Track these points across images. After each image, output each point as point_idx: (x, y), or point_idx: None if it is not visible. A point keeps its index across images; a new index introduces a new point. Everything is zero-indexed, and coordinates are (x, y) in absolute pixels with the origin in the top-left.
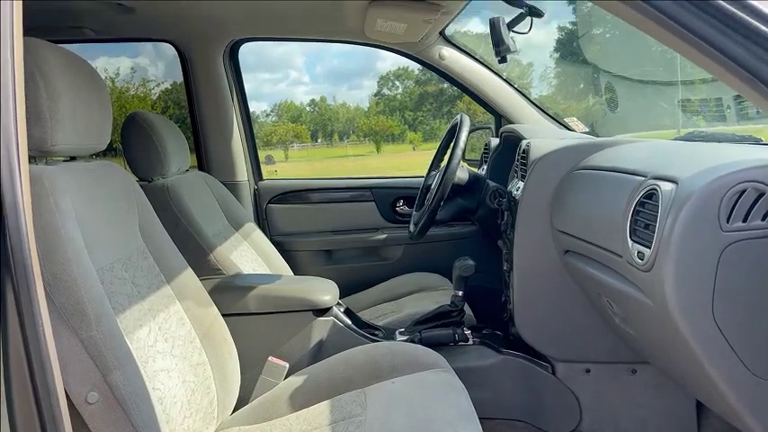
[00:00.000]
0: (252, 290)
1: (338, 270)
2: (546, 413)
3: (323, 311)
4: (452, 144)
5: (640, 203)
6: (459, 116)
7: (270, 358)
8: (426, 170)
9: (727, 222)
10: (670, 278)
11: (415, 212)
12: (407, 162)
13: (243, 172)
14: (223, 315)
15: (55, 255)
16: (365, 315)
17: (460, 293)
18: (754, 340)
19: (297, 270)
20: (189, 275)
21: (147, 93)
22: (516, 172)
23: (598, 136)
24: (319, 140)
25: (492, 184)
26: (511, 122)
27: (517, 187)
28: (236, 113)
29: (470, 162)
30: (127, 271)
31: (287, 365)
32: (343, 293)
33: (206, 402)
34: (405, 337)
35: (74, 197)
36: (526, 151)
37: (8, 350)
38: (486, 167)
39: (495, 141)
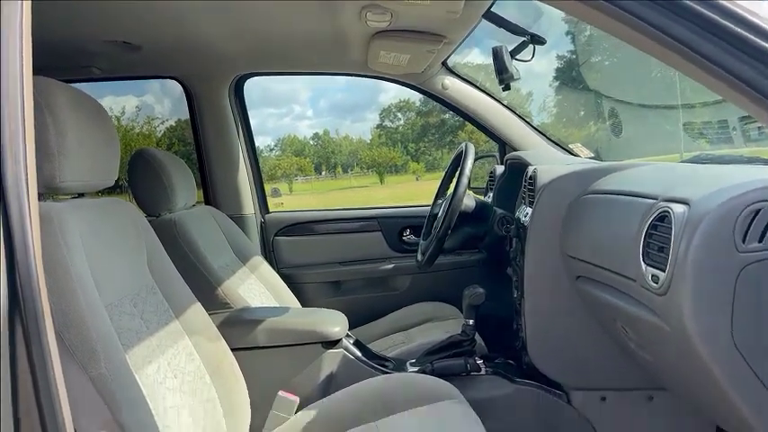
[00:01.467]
0: (260, 323)
1: (346, 301)
2: None
3: (332, 343)
4: (458, 172)
5: (653, 226)
6: (463, 145)
7: (280, 393)
8: (432, 199)
9: (743, 243)
10: (687, 301)
11: (422, 241)
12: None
13: (249, 205)
14: (232, 350)
15: (64, 291)
16: (375, 346)
17: (471, 322)
18: (763, 353)
19: (305, 302)
20: (198, 310)
21: (151, 130)
22: (524, 198)
23: (603, 161)
24: (323, 173)
25: (499, 211)
26: (515, 149)
27: (525, 213)
28: (242, 147)
29: (475, 190)
30: (135, 306)
31: (297, 400)
32: (353, 325)
33: None
34: (416, 368)
35: (83, 234)
36: (533, 177)
37: (17, 388)
38: (491, 195)
39: (500, 169)
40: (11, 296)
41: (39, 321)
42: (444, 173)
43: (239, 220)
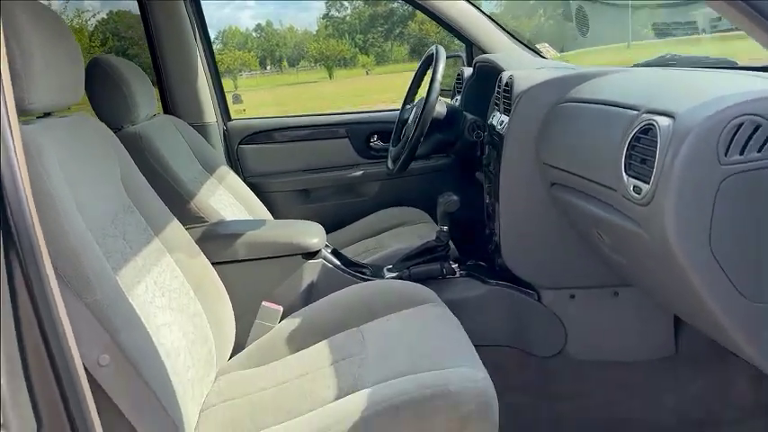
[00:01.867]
0: (239, 237)
1: (316, 209)
2: (532, 338)
3: (312, 254)
4: (430, 78)
5: (636, 138)
6: (433, 48)
7: (264, 303)
8: (401, 104)
9: (725, 155)
10: (670, 212)
11: (392, 147)
12: (361, 86)
13: (211, 113)
14: (213, 264)
15: (51, 221)
16: (349, 252)
17: (445, 228)
18: (745, 266)
19: (274, 212)
20: (175, 227)
21: (82, 24)
22: (497, 105)
23: (570, 63)
24: (269, 68)
25: (470, 116)
26: (483, 51)
27: (500, 121)
28: (199, 50)
29: (441, 92)
30: (117, 227)
31: (281, 309)
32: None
33: (205, 351)
34: (393, 274)
35: (60, 158)
36: (509, 84)
37: (20, 323)
38: (459, 98)
39: (467, 71)
40: (5, 231)
41: (35, 254)
42: (413, 76)
43: (201, 129)
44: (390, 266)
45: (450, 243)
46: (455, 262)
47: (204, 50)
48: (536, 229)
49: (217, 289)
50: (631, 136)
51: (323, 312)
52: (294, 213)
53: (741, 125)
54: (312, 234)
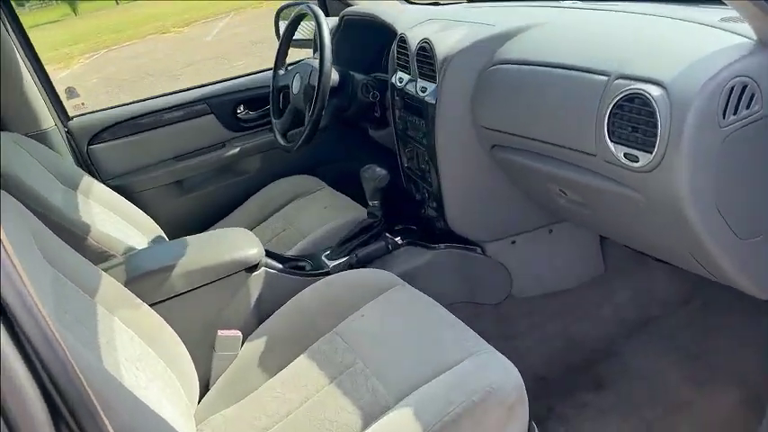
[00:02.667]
0: (171, 268)
1: (195, 198)
2: (482, 288)
3: (254, 266)
4: (319, 44)
5: (618, 106)
6: (306, 7)
7: (219, 332)
8: (272, 69)
9: (723, 118)
10: (682, 177)
11: (276, 120)
12: (117, 20)
13: (47, 117)
14: (151, 306)
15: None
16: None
17: (377, 203)
18: (740, 210)
19: (150, 214)
20: (102, 278)
21: None
22: (399, 65)
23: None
24: None
25: (358, 76)
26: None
27: (409, 82)
28: (15, 44)
29: (299, 43)
30: (67, 311)
31: (239, 334)
32: (213, 220)
33: (182, 405)
34: (338, 261)
35: None
36: (427, 50)
37: None
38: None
39: (330, 23)
40: None
41: None
42: (281, 39)
43: (41, 137)
44: (328, 253)
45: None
46: (391, 233)
47: (23, 48)
48: (479, 190)
49: (167, 333)
50: (612, 104)
51: (285, 324)
52: (171, 210)
53: (732, 88)
54: (248, 244)
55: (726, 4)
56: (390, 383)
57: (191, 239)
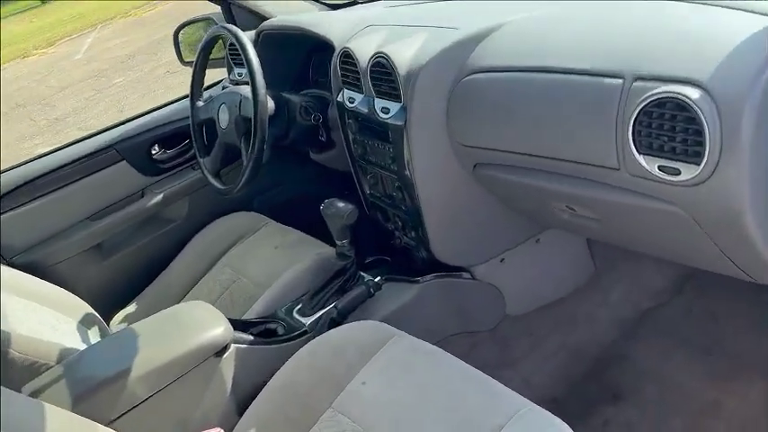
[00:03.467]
0: (127, 374)
1: (120, 261)
2: (475, 315)
3: (224, 348)
4: (248, 70)
5: (645, 113)
6: (219, 29)
7: None
8: (189, 101)
9: None
10: (743, 188)
11: (203, 159)
12: None
13: None
14: (109, 425)
15: None
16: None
17: (346, 242)
18: None
19: (72, 288)
20: (46, 413)
21: None
22: (348, 83)
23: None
24: None
25: (293, 97)
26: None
27: (369, 103)
28: None
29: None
30: None
31: (221, 431)
32: (145, 282)
33: None
34: (314, 318)
35: None
36: (385, 66)
37: None
38: (238, 73)
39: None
40: None
41: None
42: (195, 66)
43: None
44: (299, 307)
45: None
46: (366, 271)
47: None
48: (463, 213)
49: None
50: (637, 111)
51: (273, 409)
52: (93, 280)
53: None
54: (211, 321)
55: None
56: None
57: (140, 328)
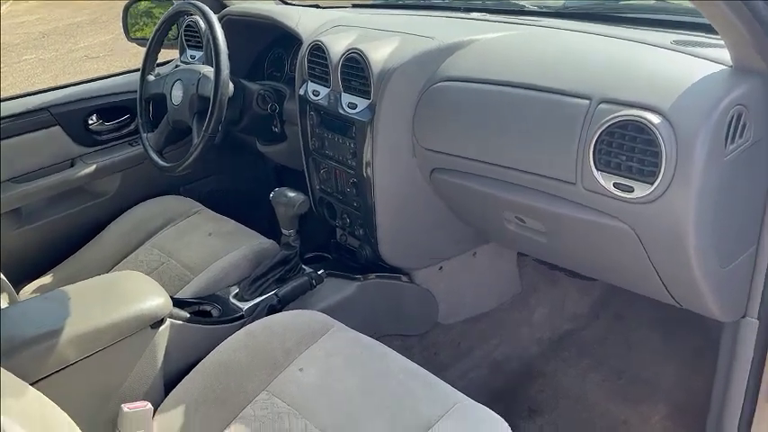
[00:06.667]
0: (56, 336)
1: (39, 230)
2: (409, 318)
3: (160, 321)
4: (213, 49)
5: (608, 133)
6: (185, 4)
7: (123, 407)
8: (139, 74)
9: (725, 147)
10: (690, 208)
11: (146, 134)
12: None
13: None
14: (35, 384)
15: None
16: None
17: (293, 232)
18: (728, 236)
19: None
20: None
21: None
22: (313, 75)
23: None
24: None
25: (251, 85)
26: None
27: (335, 97)
28: None
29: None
30: None
31: (149, 405)
32: (63, 254)
33: None
34: (252, 303)
35: None
36: (358, 62)
37: None
38: (200, 56)
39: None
40: None
41: None
42: (152, 39)
43: None
44: (236, 292)
45: None
46: (307, 263)
47: None
48: (414, 218)
49: (56, 417)
50: (600, 131)
51: (204, 387)
52: (7, 246)
53: (732, 117)
54: (151, 292)
55: (670, 29)
56: None
57: (75, 290)
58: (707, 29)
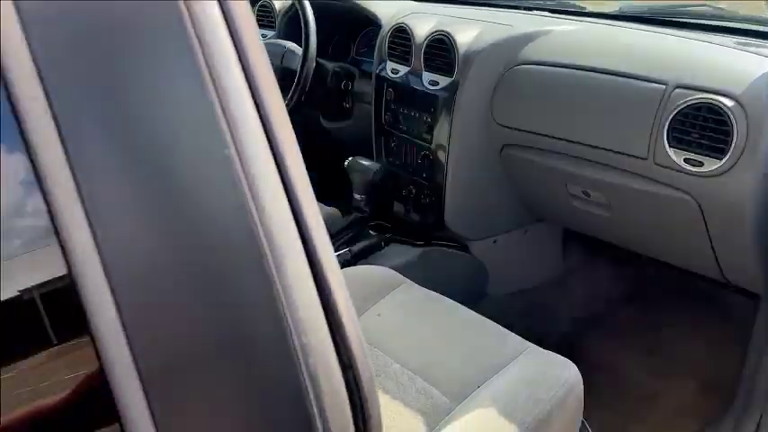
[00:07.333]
0: None
1: None
2: (462, 288)
3: None
4: (303, 26)
5: (683, 113)
6: None
7: None
8: None
9: None
10: (754, 182)
11: None
12: None
13: None
14: None
15: None
16: None
17: (365, 197)
18: None
19: None
20: None
21: None
22: (394, 55)
23: None
24: None
25: (328, 63)
26: None
27: (416, 76)
28: None
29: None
30: None
31: None
32: None
33: None
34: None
35: None
36: (445, 43)
37: None
38: (271, 35)
39: (278, 4)
40: None
41: None
42: None
43: None
44: None
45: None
46: (376, 228)
47: None
48: (480, 190)
49: None
50: (676, 111)
51: None
52: None
53: None
54: None
55: (726, 34)
56: (441, 385)
57: None
58: (763, 36)
